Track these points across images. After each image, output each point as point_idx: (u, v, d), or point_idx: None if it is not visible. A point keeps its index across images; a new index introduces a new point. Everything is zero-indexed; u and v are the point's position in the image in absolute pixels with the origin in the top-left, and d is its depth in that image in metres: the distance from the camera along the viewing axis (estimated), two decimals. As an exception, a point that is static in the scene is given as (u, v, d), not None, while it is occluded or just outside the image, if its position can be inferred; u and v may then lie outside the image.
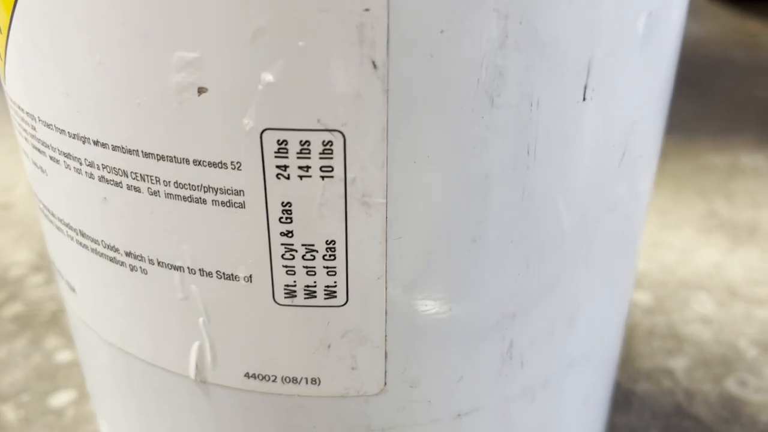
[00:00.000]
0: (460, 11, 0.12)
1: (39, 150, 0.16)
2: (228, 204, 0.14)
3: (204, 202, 0.14)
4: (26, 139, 0.17)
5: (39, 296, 0.40)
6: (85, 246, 0.16)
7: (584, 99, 0.14)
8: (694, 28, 0.93)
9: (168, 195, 0.14)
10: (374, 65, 0.12)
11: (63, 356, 0.35)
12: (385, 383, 0.16)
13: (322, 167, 0.13)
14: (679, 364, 0.35)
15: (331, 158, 0.13)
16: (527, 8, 0.13)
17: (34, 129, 0.16)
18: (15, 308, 0.39)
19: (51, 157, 0.16)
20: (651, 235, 0.47)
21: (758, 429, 0.32)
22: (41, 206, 0.18)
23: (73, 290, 0.18)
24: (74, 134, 0.15)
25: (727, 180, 0.54)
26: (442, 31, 0.12)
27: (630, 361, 0.36)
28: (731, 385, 0.34)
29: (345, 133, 0.13)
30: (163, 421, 0.18)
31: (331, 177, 0.13)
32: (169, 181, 0.14)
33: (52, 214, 0.17)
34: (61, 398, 0.33)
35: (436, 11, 0.12)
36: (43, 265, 0.43)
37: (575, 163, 0.15)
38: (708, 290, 0.41)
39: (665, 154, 0.58)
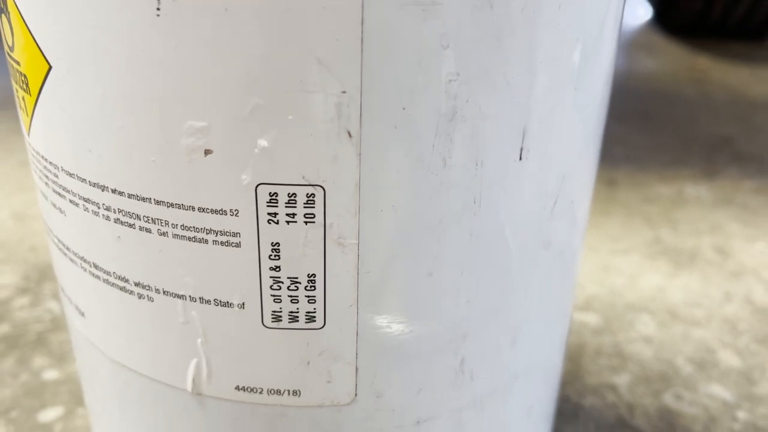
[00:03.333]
0: (418, 93, 0.15)
1: (59, 194, 0.19)
2: (226, 243, 0.17)
3: (206, 241, 0.17)
4: (47, 183, 0.19)
5: (25, 317, 0.42)
6: (97, 276, 0.19)
7: (520, 159, 0.18)
8: (648, 63, 0.99)
9: (175, 236, 0.17)
10: (349, 134, 0.16)
11: (50, 375, 0.37)
12: (356, 394, 0.19)
13: (305, 214, 0.16)
14: (622, 380, 0.39)
15: (314, 207, 0.16)
16: (472, 90, 0.16)
17: (56, 176, 0.18)
18: (2, 329, 0.41)
19: (71, 201, 0.18)
20: (602, 260, 0.50)
21: (691, 438, 0.35)
22: (56, 240, 0.20)
23: (82, 314, 0.21)
24: (94, 183, 0.17)
25: (672, 209, 0.58)
26: (404, 108, 0.16)
27: (579, 377, 0.39)
28: (668, 399, 0.38)
29: (325, 188, 0.16)
30: (159, 430, 0.21)
31: (313, 222, 0.16)
32: (177, 224, 0.17)
33: (67, 248, 0.20)
34: (49, 414, 0.35)
35: (399, 93, 0.15)
36: (29, 287, 0.45)
37: (514, 210, 0.18)
38: (651, 312, 0.45)
39: (617, 184, 0.62)
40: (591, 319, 0.44)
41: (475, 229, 0.18)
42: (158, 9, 0.14)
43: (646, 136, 0.74)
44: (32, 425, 0.34)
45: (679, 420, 0.36)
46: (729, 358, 0.41)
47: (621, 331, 0.43)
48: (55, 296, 0.44)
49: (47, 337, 0.40)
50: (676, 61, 1.00)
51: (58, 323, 0.41)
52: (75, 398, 0.36)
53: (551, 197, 0.19)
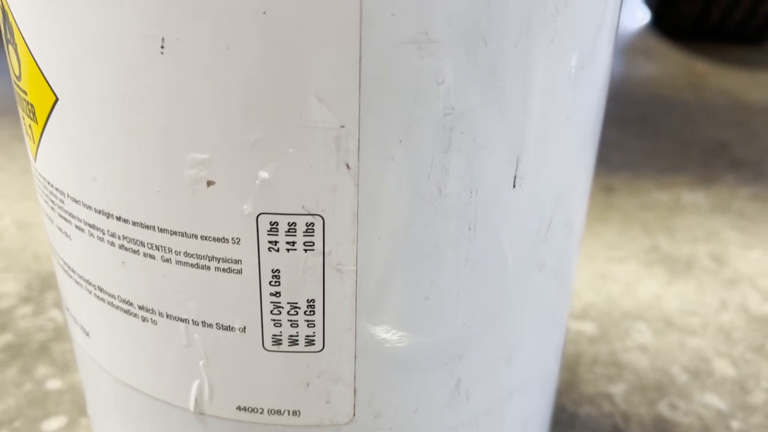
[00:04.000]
0: (414, 126, 0.16)
1: (65, 219, 0.19)
2: (228, 270, 0.17)
3: (208, 268, 0.17)
4: (53, 208, 0.20)
5: (27, 327, 0.42)
6: (102, 299, 0.19)
7: (514, 186, 0.18)
8: (647, 68, 0.99)
9: (178, 262, 0.17)
10: (348, 166, 0.16)
11: (53, 384, 0.38)
12: (354, 414, 0.19)
13: (305, 242, 0.17)
14: (618, 389, 0.39)
15: (313, 236, 0.17)
16: (467, 123, 0.16)
17: (62, 202, 0.19)
18: (5, 338, 0.41)
19: (76, 226, 0.19)
20: (599, 267, 0.51)
21: (685, 447, 0.36)
22: (62, 263, 0.21)
23: (87, 334, 0.21)
24: (99, 210, 0.18)
25: (669, 216, 0.59)
26: (400, 141, 0.16)
27: (575, 386, 0.39)
28: (663, 409, 0.38)
29: (324, 217, 0.16)
30: (162, 447, 0.21)
31: (312, 250, 0.17)
32: (180, 251, 0.17)
33: (73, 271, 0.20)
34: (53, 424, 0.35)
35: (396, 127, 0.16)
36: (31, 296, 0.45)
37: (509, 235, 0.19)
38: (647, 321, 0.45)
39: (615, 191, 0.63)
40: (587, 327, 0.45)
41: (470, 254, 0.18)
42: (162, 47, 0.15)
43: (644, 141, 0.74)
44: (36, 435, 0.35)
45: (674, 429, 0.37)
46: (724, 367, 0.41)
47: (617, 339, 0.43)
48: (58, 305, 0.44)
49: (50, 347, 0.41)
50: (675, 65, 1.00)
51: (61, 332, 0.42)
52: (78, 408, 0.36)
53: (545, 221, 0.20)
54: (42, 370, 0.39)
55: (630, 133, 0.75)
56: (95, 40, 0.15)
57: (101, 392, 0.22)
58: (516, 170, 0.18)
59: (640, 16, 1.26)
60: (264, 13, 0.14)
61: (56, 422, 0.35)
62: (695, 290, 0.49)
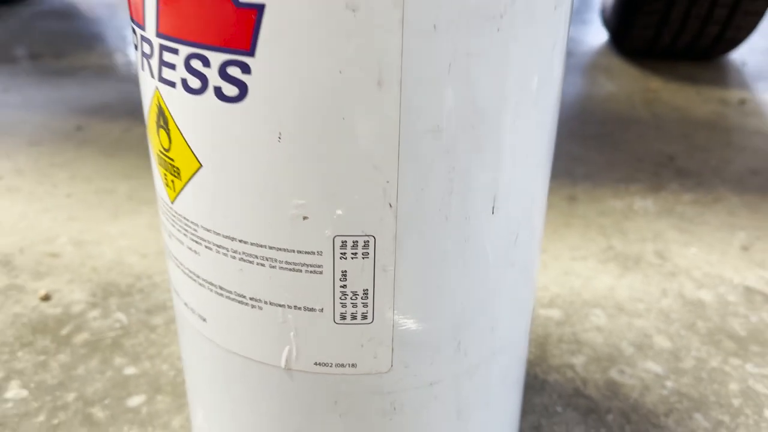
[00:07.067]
0: (430, 181, 0.26)
1: (196, 241, 0.29)
2: (313, 272, 0.27)
3: (300, 271, 0.27)
4: (185, 234, 0.29)
5: (99, 326, 0.52)
6: (221, 294, 0.29)
7: (493, 213, 0.28)
8: (607, 86, 1.11)
9: (280, 268, 0.27)
10: (390, 205, 0.26)
11: (129, 371, 0.47)
12: (391, 365, 0.29)
13: (363, 253, 0.27)
14: (578, 360, 0.50)
15: (368, 249, 0.27)
16: (462, 176, 0.26)
17: (195, 230, 0.29)
18: (83, 336, 0.50)
19: (206, 246, 0.28)
20: (563, 265, 0.61)
21: (629, 403, 0.46)
22: (187, 271, 0.30)
23: (204, 320, 0.31)
24: (226, 236, 0.27)
25: (622, 220, 0.69)
26: (422, 189, 0.26)
27: (545, 360, 0.50)
28: (614, 374, 0.49)
29: (375, 236, 0.26)
30: (255, 400, 0.31)
31: (367, 258, 0.27)
32: (282, 261, 0.27)
33: (198, 276, 0.30)
34: (135, 401, 0.45)
35: (420, 181, 0.26)
36: (97, 302, 0.54)
37: (490, 244, 0.29)
38: (603, 307, 0.56)
39: (577, 200, 0.73)
40: (554, 314, 0.55)
41: (465, 257, 0.28)
42: (280, 137, 0.25)
43: (603, 155, 0.85)
44: (123, 409, 0.44)
45: (621, 389, 0.47)
46: (662, 342, 0.52)
47: (578, 322, 0.54)
48: (121, 308, 0.54)
49: (121, 342, 0.50)
50: (631, 82, 1.12)
51: (127, 330, 0.51)
52: (153, 388, 0.46)
53: (514, 233, 0.30)
54: (118, 360, 0.48)
55: (591, 148, 0.86)
56: (237, 137, 0.25)
57: (210, 363, 0.32)
58: (494, 203, 0.28)
59: (600, 36, 1.38)
60: (343, 118, 0.24)
61: (137, 399, 0.45)
62: (642, 282, 0.59)
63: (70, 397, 0.45)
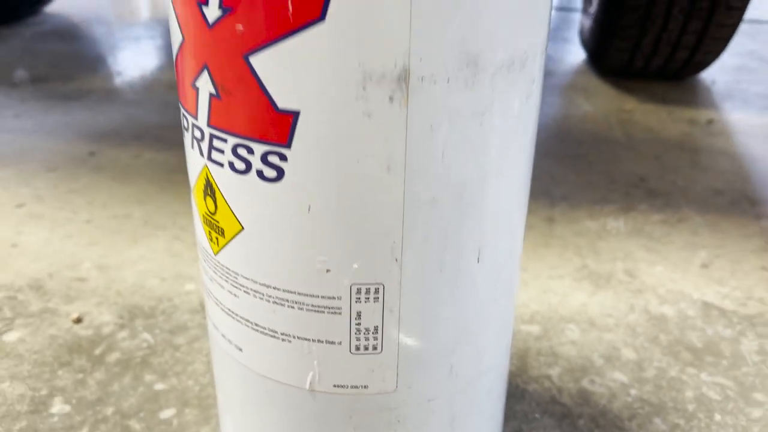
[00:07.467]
0: (428, 241, 0.32)
1: (235, 286, 0.35)
2: (333, 312, 0.33)
3: (323, 312, 0.33)
4: (226, 280, 0.36)
5: (128, 346, 0.58)
6: (256, 330, 0.35)
7: (478, 261, 0.35)
8: (584, 106, 1.18)
9: (307, 309, 0.33)
10: (396, 260, 0.32)
11: (159, 386, 0.53)
12: (396, 386, 0.36)
13: (374, 297, 0.33)
14: (555, 371, 0.56)
15: (378, 294, 0.33)
16: (454, 237, 0.33)
17: (236, 278, 0.35)
18: (115, 356, 0.56)
19: (244, 291, 0.35)
20: (542, 284, 0.68)
21: (598, 409, 0.53)
22: (227, 310, 0.37)
23: (241, 350, 0.37)
24: (262, 283, 0.34)
25: (596, 240, 0.76)
26: (422, 247, 0.32)
27: (525, 371, 0.56)
28: (585, 383, 0.55)
29: (384, 284, 0.33)
30: (282, 415, 0.37)
31: (378, 301, 0.33)
32: (309, 304, 0.33)
33: (236, 314, 0.36)
34: (167, 413, 0.51)
35: (419, 240, 0.32)
36: (124, 323, 0.60)
37: (479, 283, 0.35)
38: (577, 322, 0.63)
39: (555, 221, 0.80)
40: (534, 329, 0.62)
41: (456, 298, 0.35)
42: (309, 209, 0.31)
43: (580, 176, 0.92)
44: (157, 421, 0.50)
45: (591, 397, 0.54)
46: (628, 354, 0.59)
47: (555, 337, 0.61)
48: (147, 329, 0.60)
49: (149, 360, 0.56)
50: (607, 103, 1.19)
51: (154, 349, 0.57)
52: (181, 402, 0.52)
53: (497, 273, 0.36)
54: (148, 377, 0.54)
55: (568, 169, 0.93)
56: (274, 209, 0.31)
57: (244, 384, 0.38)
58: (479, 255, 0.34)
59: (578, 54, 1.45)
60: (360, 196, 0.31)
61: (168, 412, 0.51)
62: (612, 298, 0.66)
63: (109, 411, 0.51)
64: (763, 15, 1.90)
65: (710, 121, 1.12)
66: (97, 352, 0.57)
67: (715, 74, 1.36)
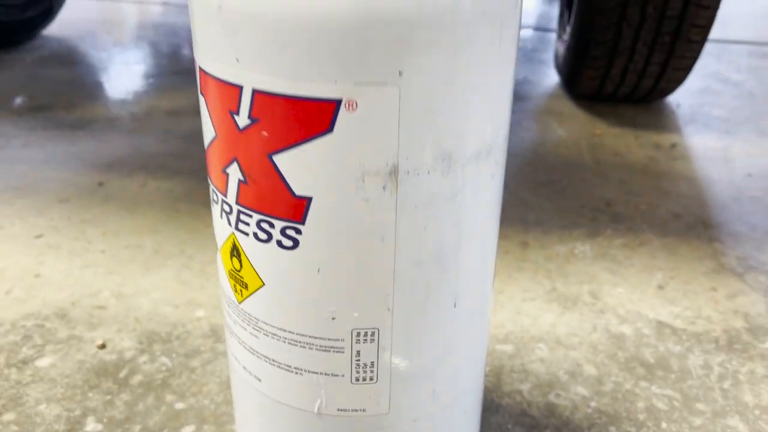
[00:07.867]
0: (414, 293, 0.40)
1: (256, 329, 0.43)
2: (338, 351, 0.41)
3: (329, 351, 0.41)
4: (248, 324, 0.43)
5: (149, 369, 0.65)
6: (273, 364, 0.43)
7: (455, 306, 0.43)
8: (557, 131, 1.26)
9: (316, 349, 0.41)
10: (389, 309, 0.40)
11: (179, 406, 0.61)
12: (389, 409, 0.43)
13: (371, 339, 0.41)
14: (525, 387, 0.65)
15: (374, 336, 0.41)
16: (436, 287, 0.41)
17: (257, 323, 0.42)
18: (138, 378, 0.64)
19: (264, 333, 0.42)
20: (516, 306, 0.76)
21: (562, 420, 0.61)
22: (247, 347, 0.44)
23: (259, 380, 0.45)
24: (279, 327, 0.41)
25: (565, 264, 0.85)
26: (409, 297, 0.40)
27: (499, 387, 0.65)
28: (552, 397, 0.64)
29: (379, 329, 0.41)
30: None
31: (374, 342, 0.41)
32: (317, 345, 0.41)
33: (256, 351, 0.44)
34: (187, 430, 0.58)
35: (406, 292, 0.40)
36: (144, 348, 0.67)
37: (456, 323, 0.43)
38: (545, 341, 0.71)
39: (528, 246, 0.88)
40: (508, 348, 0.70)
41: (437, 337, 0.43)
42: (319, 270, 0.39)
43: (552, 202, 1.00)
44: (180, 437, 0.58)
45: (557, 409, 0.62)
46: (590, 369, 0.67)
47: (526, 355, 0.69)
48: (164, 354, 0.67)
49: (169, 382, 0.63)
50: (579, 128, 1.28)
51: (173, 372, 0.65)
52: (199, 419, 0.59)
53: (471, 315, 0.44)
54: (169, 397, 0.62)
55: (541, 195, 1.02)
56: (291, 270, 0.39)
57: (261, 408, 0.46)
58: (455, 301, 0.42)
59: (554, 77, 1.53)
60: (360, 260, 0.38)
61: (189, 429, 0.58)
62: (577, 319, 0.75)
63: (137, 428, 0.58)
64: (728, 34, 2.01)
65: (674, 145, 1.21)
66: (122, 375, 0.64)
67: (680, 97, 1.46)
